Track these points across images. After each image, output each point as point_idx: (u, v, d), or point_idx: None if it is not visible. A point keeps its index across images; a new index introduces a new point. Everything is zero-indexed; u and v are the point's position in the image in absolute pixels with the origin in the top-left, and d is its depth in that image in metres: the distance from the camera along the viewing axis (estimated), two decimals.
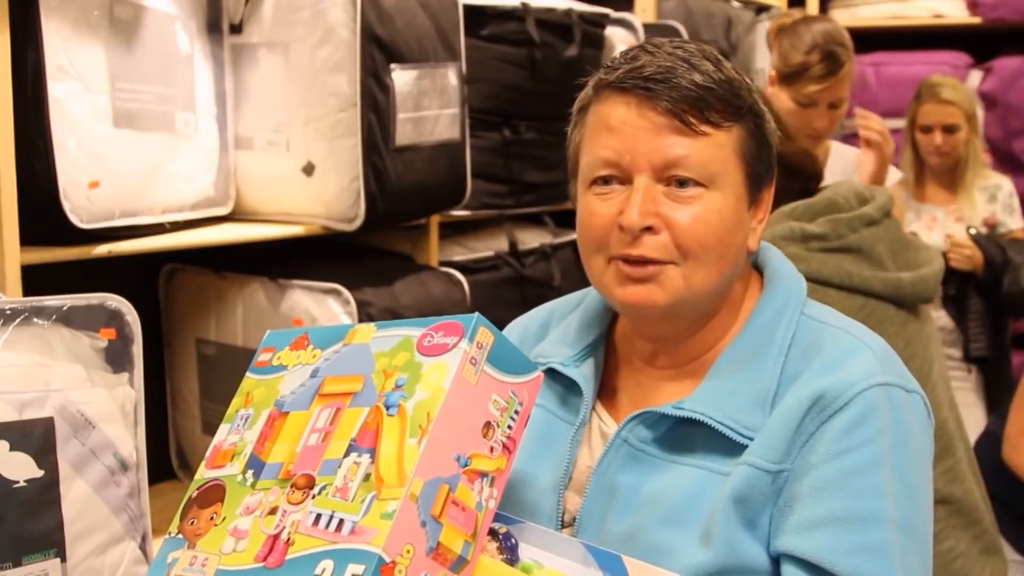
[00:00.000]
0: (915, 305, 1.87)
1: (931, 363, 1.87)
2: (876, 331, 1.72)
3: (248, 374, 1.21)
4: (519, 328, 1.45)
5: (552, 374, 1.33)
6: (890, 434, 1.16)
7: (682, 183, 1.18)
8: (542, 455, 1.30)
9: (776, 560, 1.16)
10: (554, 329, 1.39)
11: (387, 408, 1.05)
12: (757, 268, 1.32)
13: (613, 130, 1.20)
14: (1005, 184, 3.69)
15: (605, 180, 1.21)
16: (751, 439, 1.18)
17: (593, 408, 1.31)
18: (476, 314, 1.08)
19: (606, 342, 1.35)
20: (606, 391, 1.33)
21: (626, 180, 1.20)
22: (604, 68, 1.25)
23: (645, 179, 1.18)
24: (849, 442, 1.15)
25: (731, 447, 1.18)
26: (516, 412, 1.11)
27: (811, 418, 1.16)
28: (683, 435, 1.22)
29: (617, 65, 1.23)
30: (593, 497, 1.24)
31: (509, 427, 1.10)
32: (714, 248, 1.19)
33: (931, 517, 1.20)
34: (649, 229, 1.18)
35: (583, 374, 1.31)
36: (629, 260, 1.20)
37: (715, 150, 1.19)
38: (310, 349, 1.18)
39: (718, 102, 1.19)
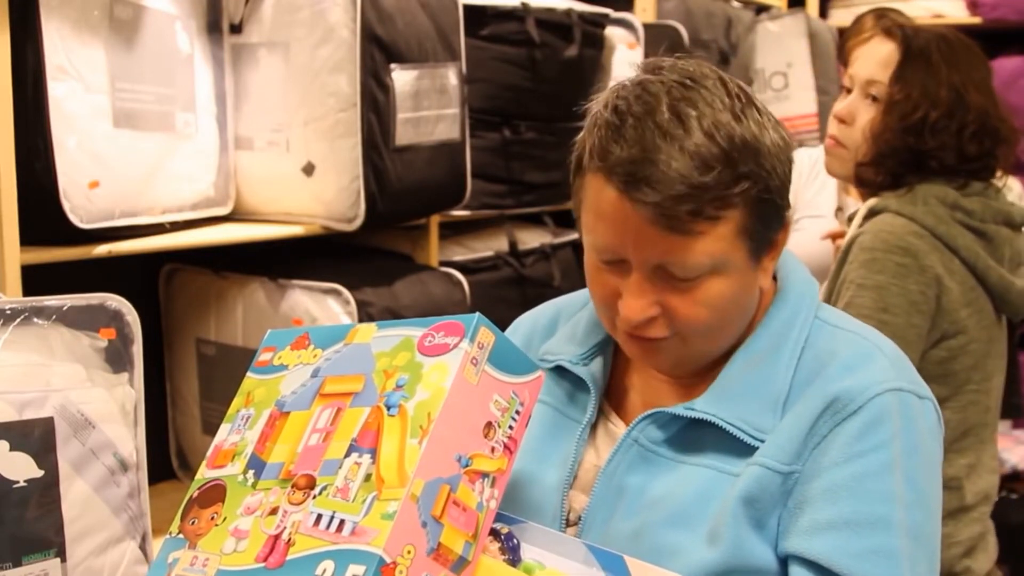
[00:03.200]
0: (1002, 313, 1.96)
1: (1000, 365, 1.97)
2: (975, 317, 1.87)
3: (249, 374, 1.21)
4: (527, 324, 1.44)
5: (560, 372, 1.33)
6: (902, 440, 1.16)
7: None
8: (548, 453, 1.30)
9: (783, 561, 1.16)
10: (562, 326, 1.39)
11: (388, 408, 1.05)
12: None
13: (605, 218, 1.14)
14: (1015, 187, 3.67)
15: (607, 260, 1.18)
16: (762, 441, 1.17)
17: (600, 407, 1.31)
18: (477, 314, 1.08)
19: (615, 341, 1.35)
20: (614, 390, 1.33)
21: (625, 264, 1.16)
22: (595, 124, 1.14)
23: (642, 273, 1.15)
24: (861, 446, 1.15)
25: (741, 448, 1.18)
26: (517, 412, 1.11)
27: (824, 421, 1.16)
28: (693, 436, 1.22)
29: (601, 135, 1.13)
30: (600, 497, 1.23)
31: (510, 427, 1.10)
32: (717, 326, 1.19)
33: (939, 524, 1.20)
34: (651, 319, 1.17)
35: (591, 373, 1.30)
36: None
37: (713, 243, 1.12)
38: (311, 349, 1.18)
39: (713, 191, 1.09)
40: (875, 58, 1.99)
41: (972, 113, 1.93)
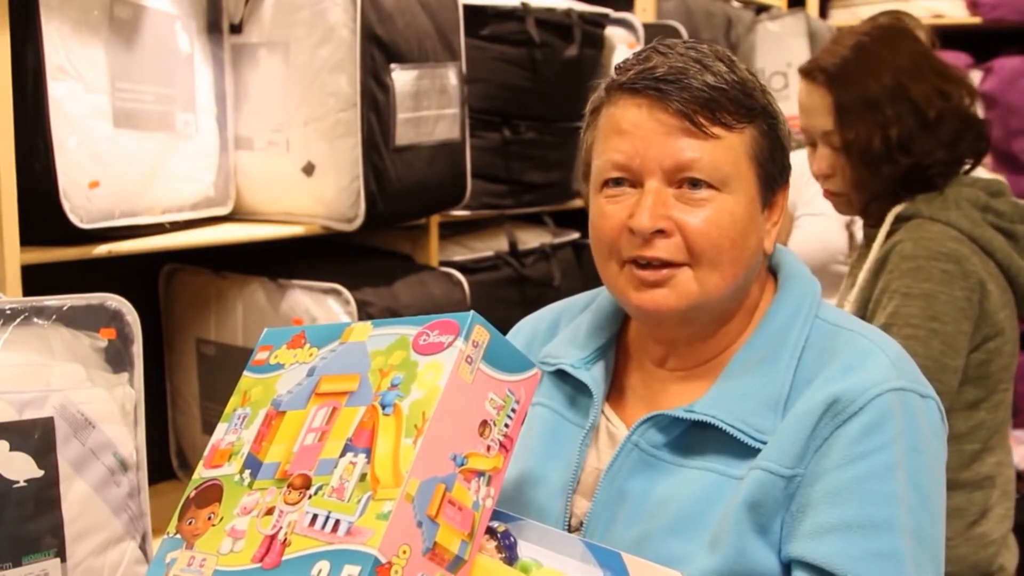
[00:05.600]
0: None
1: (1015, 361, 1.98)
2: (1010, 319, 1.90)
3: (245, 373, 1.21)
4: (528, 328, 1.44)
5: (561, 375, 1.33)
6: (905, 440, 1.15)
7: (694, 185, 1.18)
8: (550, 457, 1.29)
9: (787, 566, 1.16)
10: (563, 329, 1.39)
11: (383, 407, 1.05)
12: (771, 270, 1.31)
13: (624, 133, 1.19)
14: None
15: (617, 182, 1.20)
16: (763, 442, 1.17)
17: (602, 410, 1.30)
18: (471, 312, 1.08)
19: (617, 344, 1.35)
20: (615, 393, 1.32)
21: (637, 183, 1.19)
22: (616, 69, 1.24)
23: (656, 182, 1.18)
24: (863, 447, 1.14)
25: (743, 450, 1.18)
26: (513, 410, 1.11)
27: (825, 422, 1.16)
28: (694, 439, 1.21)
29: (629, 66, 1.22)
30: (602, 502, 1.23)
31: (506, 425, 1.10)
32: (727, 250, 1.19)
33: (943, 524, 1.20)
34: (661, 232, 1.18)
35: (593, 377, 1.30)
36: (641, 263, 1.19)
37: (726, 152, 1.18)
38: (307, 347, 1.18)
39: (730, 103, 1.18)
40: (818, 109, 1.96)
41: (923, 102, 1.90)
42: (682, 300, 1.20)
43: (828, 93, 1.93)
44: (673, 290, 1.19)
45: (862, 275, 1.92)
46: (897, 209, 1.92)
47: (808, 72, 1.97)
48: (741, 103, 1.19)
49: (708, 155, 1.17)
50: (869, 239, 1.99)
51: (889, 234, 1.91)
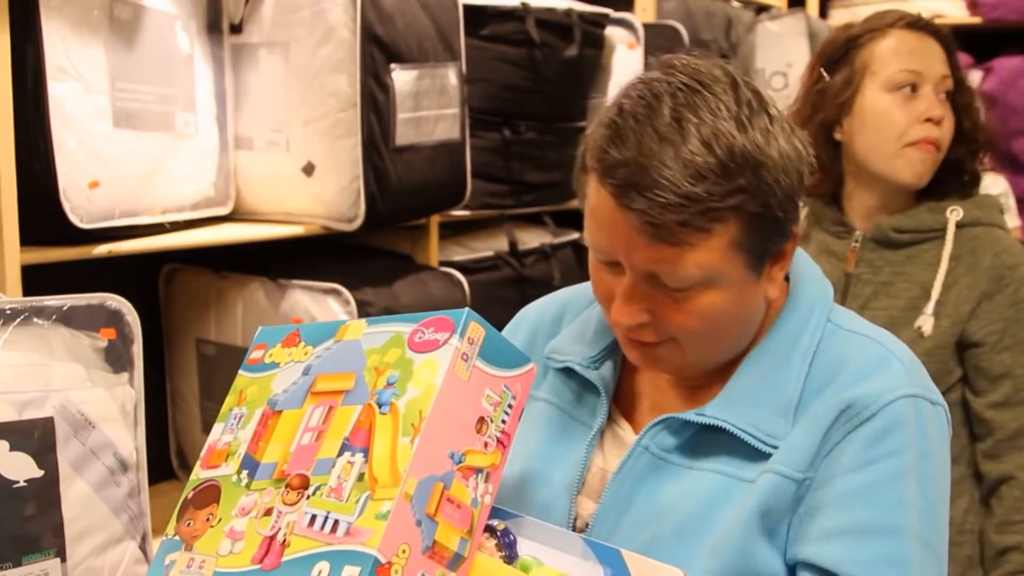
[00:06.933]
0: None
1: None
2: None
3: (241, 372, 1.20)
4: (532, 317, 1.42)
5: (567, 372, 1.31)
6: (916, 447, 1.14)
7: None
8: (556, 456, 1.28)
9: (791, 567, 1.15)
10: (567, 324, 1.36)
11: (379, 406, 1.05)
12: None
13: (600, 219, 1.13)
14: (1000, 182, 3.69)
15: (605, 262, 1.17)
16: (775, 447, 1.16)
17: (609, 411, 1.29)
18: (466, 309, 1.08)
19: None
20: (621, 393, 1.31)
21: (620, 266, 1.15)
22: (592, 131, 1.14)
23: (633, 275, 1.13)
24: (875, 452, 1.13)
25: (754, 454, 1.17)
26: (510, 406, 1.11)
27: (838, 427, 1.15)
28: (705, 442, 1.20)
29: (601, 135, 1.11)
30: (609, 504, 1.22)
31: (503, 421, 1.10)
32: (709, 334, 1.16)
33: (947, 531, 1.19)
34: (640, 324, 1.15)
35: (602, 377, 1.28)
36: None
37: (704, 255, 1.09)
38: (302, 346, 1.17)
39: (703, 202, 1.06)
40: (934, 55, 1.90)
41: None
42: (672, 363, 1.19)
43: (938, 45, 1.92)
44: (665, 361, 1.19)
45: (942, 288, 1.86)
46: (957, 216, 1.88)
47: (923, 25, 1.93)
48: (720, 198, 1.07)
49: (682, 264, 1.09)
50: (896, 244, 1.92)
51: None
